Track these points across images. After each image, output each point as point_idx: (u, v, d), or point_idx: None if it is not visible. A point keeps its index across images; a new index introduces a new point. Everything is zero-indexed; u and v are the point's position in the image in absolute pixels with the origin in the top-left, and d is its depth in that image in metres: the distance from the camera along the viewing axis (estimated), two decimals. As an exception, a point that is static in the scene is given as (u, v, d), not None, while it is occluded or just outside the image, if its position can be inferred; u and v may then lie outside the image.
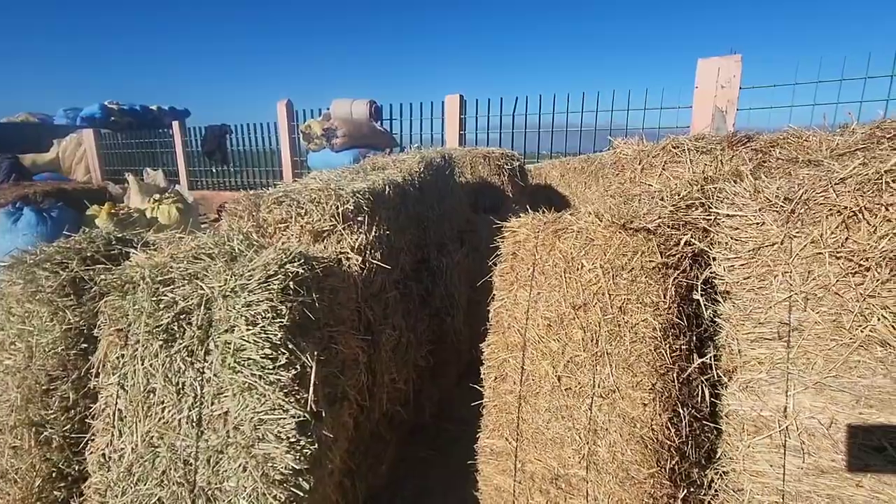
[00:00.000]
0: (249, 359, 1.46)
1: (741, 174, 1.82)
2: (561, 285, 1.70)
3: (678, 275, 1.53)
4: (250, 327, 1.45)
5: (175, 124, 12.18)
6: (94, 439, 1.63)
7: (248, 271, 1.53)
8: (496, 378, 1.83)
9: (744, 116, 5.47)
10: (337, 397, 1.76)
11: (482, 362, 1.91)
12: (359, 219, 2.16)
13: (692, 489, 1.46)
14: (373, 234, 2.20)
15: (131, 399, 1.56)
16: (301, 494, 1.52)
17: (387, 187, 2.39)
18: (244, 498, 1.48)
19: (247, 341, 1.45)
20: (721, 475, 1.47)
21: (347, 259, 2.10)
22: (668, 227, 1.58)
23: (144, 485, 1.54)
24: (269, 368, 1.46)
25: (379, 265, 2.17)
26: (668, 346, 1.46)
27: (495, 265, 1.92)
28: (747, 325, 1.39)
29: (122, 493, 1.57)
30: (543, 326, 1.71)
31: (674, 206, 1.66)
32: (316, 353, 1.56)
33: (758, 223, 1.42)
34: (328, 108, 9.11)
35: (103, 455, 1.59)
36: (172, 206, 5.13)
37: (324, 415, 1.59)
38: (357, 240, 2.14)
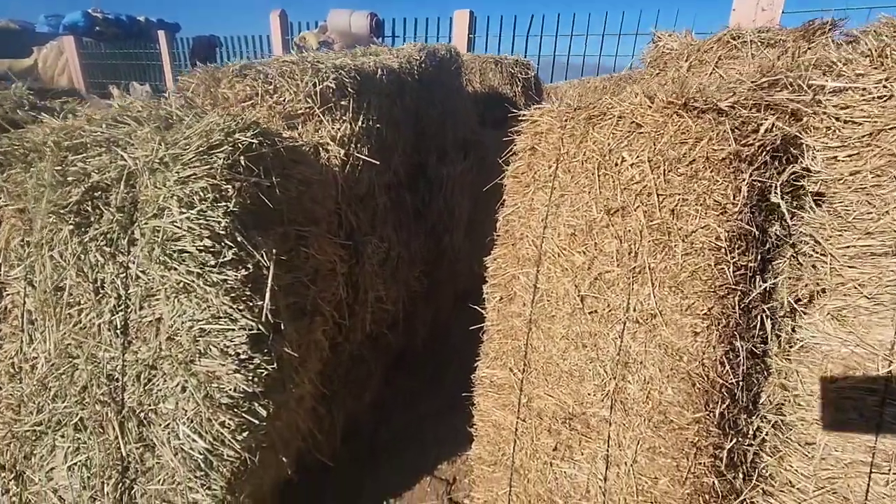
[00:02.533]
0: (184, 251, 1.11)
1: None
2: (592, 185, 1.33)
3: (753, 171, 1.16)
4: (185, 210, 1.10)
5: (161, 34, 11.21)
6: (1, 345, 1.32)
7: (184, 139, 1.15)
8: (502, 298, 1.51)
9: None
10: (306, 310, 1.44)
11: (485, 281, 1.59)
12: (342, 103, 1.75)
13: (739, 439, 1.18)
14: (359, 123, 1.80)
15: (41, 298, 1.23)
16: (256, 422, 1.23)
17: (379, 70, 1.95)
18: (184, 423, 1.19)
19: (181, 228, 1.10)
20: (778, 425, 1.18)
21: (327, 151, 1.71)
22: (746, 108, 1.19)
23: (63, 402, 1.25)
24: (210, 265, 1.12)
25: (367, 161, 1.78)
26: (732, 261, 1.12)
27: (500, 183, 1.55)
28: (847, 237, 1.04)
29: (37, 409, 1.28)
30: (566, 236, 1.36)
31: (754, 83, 1.26)
32: (274, 251, 1.21)
33: (880, 97, 1.03)
34: (325, 20, 8.32)
35: (13, 364, 1.29)
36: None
37: (284, 328, 1.27)
38: (339, 129, 1.74)
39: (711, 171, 1.15)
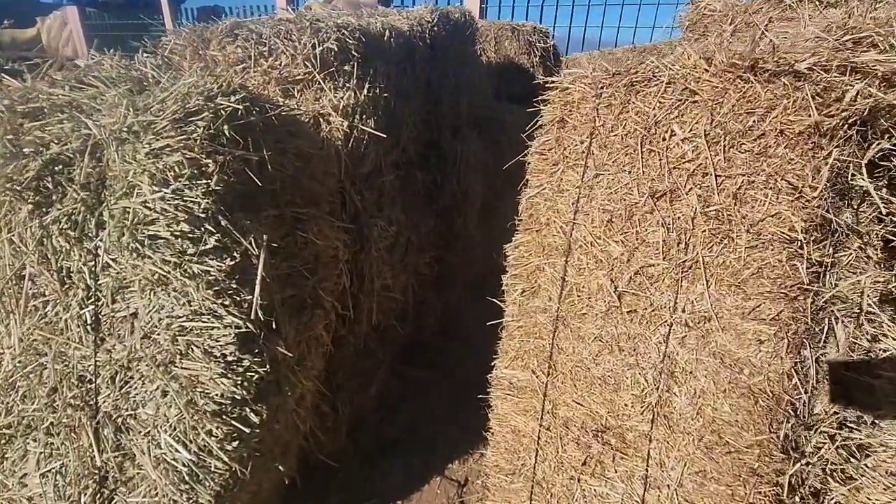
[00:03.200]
0: (158, 237, 0.95)
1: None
2: (634, 164, 1.14)
3: (834, 149, 0.97)
4: (158, 189, 0.93)
5: (164, 4, 10.90)
6: (-37, 339, 1.18)
7: (158, 103, 0.97)
8: (524, 291, 1.34)
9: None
10: (305, 303, 1.29)
11: (504, 270, 1.42)
12: (345, 68, 1.56)
13: (801, 462, 1.02)
14: (364, 92, 1.61)
15: (1, 287, 1.08)
16: (248, 431, 1.09)
17: (387, 32, 1.75)
18: (166, 431, 1.05)
19: (153, 210, 0.94)
20: (848, 447, 1.01)
21: (328, 122, 1.53)
22: (829, 71, 0.99)
23: (32, 403, 1.11)
24: (189, 254, 0.96)
25: (373, 134, 1.60)
26: (807, 256, 0.94)
27: (524, 161, 1.37)
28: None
29: (6, 411, 1.15)
30: (601, 223, 1.19)
31: (837, 41, 1.05)
32: (266, 237, 1.05)
33: None
34: (332, -11, 7.97)
35: (-24, 361, 1.15)
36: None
37: (279, 325, 1.12)
38: (342, 97, 1.55)
39: (785, 148, 0.96)
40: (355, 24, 1.58)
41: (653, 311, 1.08)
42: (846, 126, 0.98)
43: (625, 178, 1.16)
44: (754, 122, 0.98)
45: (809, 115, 0.93)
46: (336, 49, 1.50)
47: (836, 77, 0.99)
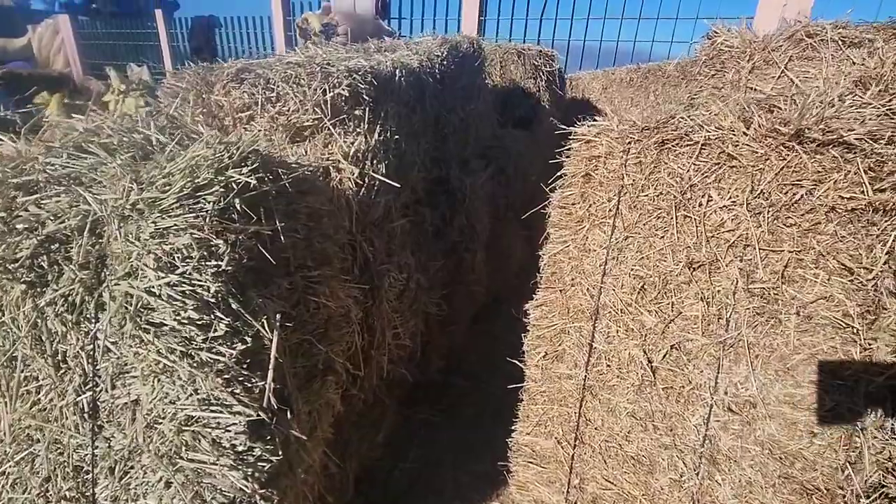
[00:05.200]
0: (163, 325, 0.87)
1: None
2: (667, 228, 1.09)
3: (889, 227, 0.91)
4: (164, 274, 0.86)
5: (158, 14, 10.79)
6: (-53, 420, 1.09)
7: (163, 177, 0.90)
8: (547, 355, 1.28)
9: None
10: (317, 371, 1.21)
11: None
12: (356, 112, 1.49)
13: (852, 552, 0.96)
14: (375, 136, 1.54)
15: (-9, 369, 0.99)
16: (257, 521, 1.01)
17: (397, 72, 1.68)
18: (169, 524, 0.97)
19: (158, 296, 0.86)
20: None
21: (338, 171, 1.46)
22: (882, 142, 0.93)
23: (23, 492, 1.03)
24: (197, 341, 0.88)
25: (384, 182, 1.53)
26: (863, 341, 0.88)
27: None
28: None
29: (-6, 498, 1.06)
30: (632, 289, 1.12)
31: (885, 106, 1.00)
32: (279, 315, 0.97)
33: None
34: (328, 1, 7.95)
35: (-38, 444, 1.07)
36: (141, 99, 4.33)
37: (289, 405, 1.04)
38: (353, 143, 1.48)
39: (836, 225, 0.90)
40: (367, 67, 1.52)
41: (691, 389, 1.02)
42: (899, 201, 0.92)
43: (657, 243, 1.10)
44: (802, 195, 0.93)
45: (863, 192, 0.88)
46: (347, 94, 1.43)
47: (889, 150, 0.93)
